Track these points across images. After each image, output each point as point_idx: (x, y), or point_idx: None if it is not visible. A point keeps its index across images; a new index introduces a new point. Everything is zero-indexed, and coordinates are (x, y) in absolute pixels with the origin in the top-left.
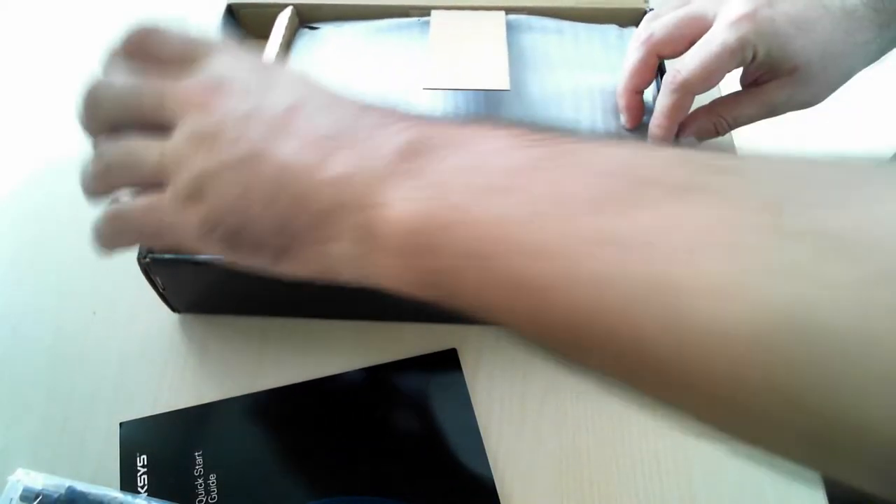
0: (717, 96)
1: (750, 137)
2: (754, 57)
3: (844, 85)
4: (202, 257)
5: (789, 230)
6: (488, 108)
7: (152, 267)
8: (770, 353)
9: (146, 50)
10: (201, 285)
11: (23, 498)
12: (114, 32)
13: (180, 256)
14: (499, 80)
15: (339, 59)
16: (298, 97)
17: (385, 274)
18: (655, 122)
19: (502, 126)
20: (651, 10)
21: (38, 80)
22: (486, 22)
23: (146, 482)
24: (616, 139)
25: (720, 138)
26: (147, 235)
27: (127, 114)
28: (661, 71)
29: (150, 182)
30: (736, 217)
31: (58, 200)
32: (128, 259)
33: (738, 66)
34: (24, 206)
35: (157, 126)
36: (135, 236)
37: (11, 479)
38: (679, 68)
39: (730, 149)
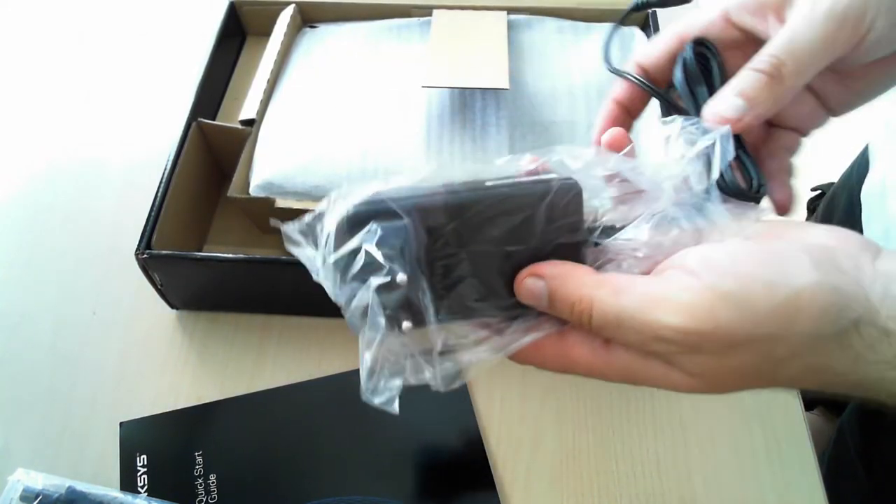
0: None
1: None
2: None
3: None
4: (199, 254)
5: None
6: (486, 107)
7: (150, 263)
8: None
9: None
10: (199, 282)
11: (23, 498)
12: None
13: (177, 252)
14: (498, 79)
15: (341, 57)
16: None
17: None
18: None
19: None
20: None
21: (38, 80)
22: (487, 21)
23: (146, 482)
24: None
25: None
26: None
27: None
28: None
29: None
30: None
31: (58, 200)
32: (127, 259)
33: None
34: (25, 206)
35: None
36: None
37: (11, 479)
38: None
39: None
